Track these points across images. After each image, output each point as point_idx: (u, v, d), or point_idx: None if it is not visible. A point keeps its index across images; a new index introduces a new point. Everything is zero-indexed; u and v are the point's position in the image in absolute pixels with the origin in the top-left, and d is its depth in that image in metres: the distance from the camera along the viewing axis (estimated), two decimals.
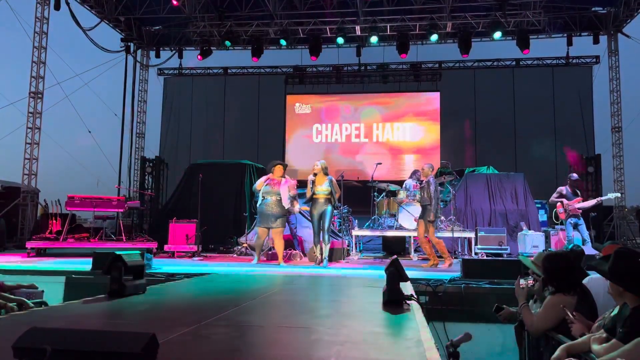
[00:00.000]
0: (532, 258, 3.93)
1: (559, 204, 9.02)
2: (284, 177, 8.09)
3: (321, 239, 7.77)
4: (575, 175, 9.42)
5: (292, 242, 9.49)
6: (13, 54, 19.22)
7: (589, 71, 15.63)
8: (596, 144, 15.23)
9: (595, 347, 2.67)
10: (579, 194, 9.11)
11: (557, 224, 9.61)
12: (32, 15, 12.33)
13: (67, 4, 12.12)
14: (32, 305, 4.19)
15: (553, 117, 15.57)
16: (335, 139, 16.45)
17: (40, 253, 9.20)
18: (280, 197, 7.87)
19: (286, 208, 7.98)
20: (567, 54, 15.29)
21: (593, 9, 14.44)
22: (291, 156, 16.30)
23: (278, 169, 8.08)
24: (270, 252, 9.01)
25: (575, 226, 8.89)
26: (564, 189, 9.05)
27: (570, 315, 3.12)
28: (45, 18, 12.37)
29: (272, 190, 7.92)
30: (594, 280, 3.49)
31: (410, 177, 10.57)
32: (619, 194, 8.08)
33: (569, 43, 14.83)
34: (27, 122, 12.24)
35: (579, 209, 8.84)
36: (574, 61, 15.63)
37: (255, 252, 8.19)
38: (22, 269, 6.94)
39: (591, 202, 9.12)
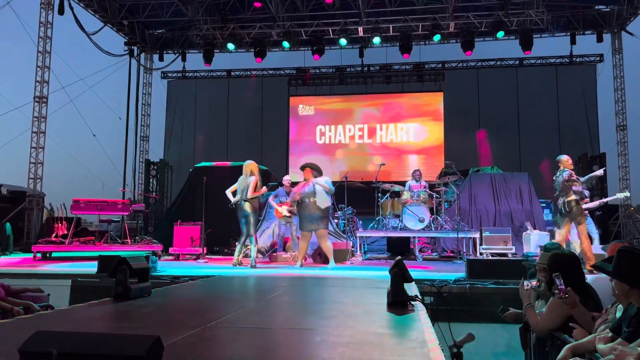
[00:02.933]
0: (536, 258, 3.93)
1: None
2: (320, 177, 8.02)
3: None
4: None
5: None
6: (18, 59, 19.31)
7: (593, 70, 15.58)
8: (601, 143, 15.19)
9: (601, 346, 2.66)
10: (586, 195, 8.90)
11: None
12: (37, 20, 12.39)
13: (71, 8, 12.20)
14: (39, 308, 4.23)
15: (557, 116, 15.52)
16: (338, 140, 16.45)
17: (46, 257, 9.24)
18: (316, 198, 7.74)
19: (324, 206, 7.78)
20: (571, 52, 15.24)
21: (596, 7, 14.39)
22: (295, 158, 16.31)
23: (306, 172, 8.00)
24: (275, 254, 9.05)
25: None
26: None
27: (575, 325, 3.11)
28: (49, 23, 12.43)
29: (307, 192, 7.81)
30: (600, 279, 3.49)
31: (413, 177, 10.57)
32: (628, 194, 7.92)
33: (573, 42, 14.77)
34: (32, 126, 12.30)
35: (585, 209, 8.67)
36: (578, 60, 15.57)
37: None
38: (28, 272, 6.98)
39: (594, 203, 9.02)
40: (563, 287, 3.13)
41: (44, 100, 12.36)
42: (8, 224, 11.22)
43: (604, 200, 9.49)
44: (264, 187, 8.10)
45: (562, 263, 3.41)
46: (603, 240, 9.42)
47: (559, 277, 3.17)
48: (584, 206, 8.64)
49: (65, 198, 10.62)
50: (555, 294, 3.20)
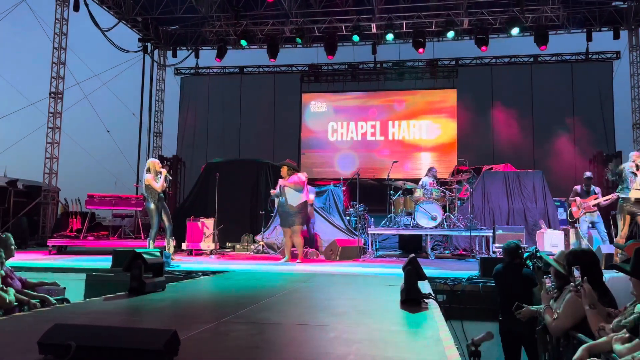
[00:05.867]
0: (553, 257, 3.90)
1: (572, 202, 8.94)
2: (293, 176, 8.17)
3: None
4: (588, 173, 9.29)
5: (308, 240, 9.51)
6: (33, 55, 19.52)
7: (609, 67, 15.35)
8: (617, 141, 14.97)
9: (618, 347, 2.63)
10: (595, 192, 8.93)
11: (574, 223, 9.36)
12: (52, 16, 12.52)
13: (86, 5, 12.28)
14: (55, 302, 4.28)
15: (572, 114, 15.33)
16: (350, 137, 16.41)
17: (61, 251, 9.35)
18: (287, 197, 8.07)
19: (296, 204, 8.05)
20: (587, 49, 15.03)
21: (613, 3, 14.18)
22: (307, 155, 16.32)
23: (282, 170, 8.21)
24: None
25: (593, 225, 8.74)
26: (578, 188, 8.98)
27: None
28: (64, 19, 12.55)
29: (283, 190, 8.14)
30: (615, 280, 3.45)
31: (427, 174, 10.53)
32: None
33: (589, 38, 14.57)
34: (48, 122, 12.44)
35: (594, 206, 8.69)
36: (594, 57, 15.35)
37: (284, 252, 8.35)
38: (44, 266, 7.07)
39: (607, 198, 8.91)
40: (579, 277, 3.10)
41: (59, 96, 12.49)
42: (24, 218, 11.37)
43: (616, 194, 9.34)
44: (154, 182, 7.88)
45: (582, 259, 3.37)
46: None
47: (578, 269, 3.14)
48: (592, 203, 8.59)
49: (79, 193, 10.76)
50: (572, 288, 3.16)
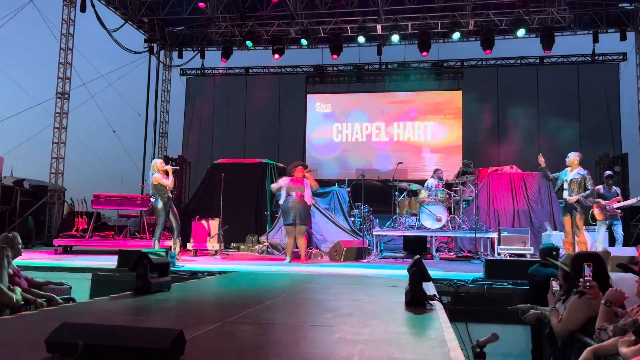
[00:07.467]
0: (560, 260, 3.89)
1: (595, 204, 8.33)
2: (305, 177, 8.26)
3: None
4: (608, 172, 9.06)
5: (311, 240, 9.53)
6: (40, 55, 19.63)
7: (616, 68, 15.28)
8: (623, 143, 14.89)
9: (624, 349, 2.62)
10: (617, 192, 8.66)
11: (594, 225, 9.10)
12: (59, 17, 12.59)
13: (93, 5, 12.34)
14: (61, 301, 4.30)
15: (578, 115, 15.27)
16: (355, 138, 16.40)
17: (67, 250, 9.40)
18: (304, 194, 8.09)
19: (309, 204, 8.14)
20: (593, 51, 14.97)
21: (620, 5, 14.12)
22: (311, 155, 16.32)
23: (299, 170, 8.20)
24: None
25: (610, 226, 8.48)
26: (601, 188, 8.55)
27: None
28: (71, 20, 12.62)
29: (295, 187, 8.12)
30: (624, 280, 3.44)
31: (432, 176, 10.51)
32: None
33: (595, 40, 14.52)
34: (54, 122, 12.51)
35: (617, 208, 8.42)
36: (600, 58, 15.29)
37: (286, 252, 8.34)
38: (50, 265, 7.10)
39: (631, 201, 8.67)
40: (590, 275, 3.08)
41: (65, 96, 12.56)
42: (30, 218, 11.43)
43: (637, 199, 9.18)
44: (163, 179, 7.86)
45: (585, 262, 3.36)
46: (625, 242, 9.23)
47: (589, 266, 3.12)
48: (616, 205, 8.42)
49: (85, 193, 10.82)
50: (579, 286, 3.15)
